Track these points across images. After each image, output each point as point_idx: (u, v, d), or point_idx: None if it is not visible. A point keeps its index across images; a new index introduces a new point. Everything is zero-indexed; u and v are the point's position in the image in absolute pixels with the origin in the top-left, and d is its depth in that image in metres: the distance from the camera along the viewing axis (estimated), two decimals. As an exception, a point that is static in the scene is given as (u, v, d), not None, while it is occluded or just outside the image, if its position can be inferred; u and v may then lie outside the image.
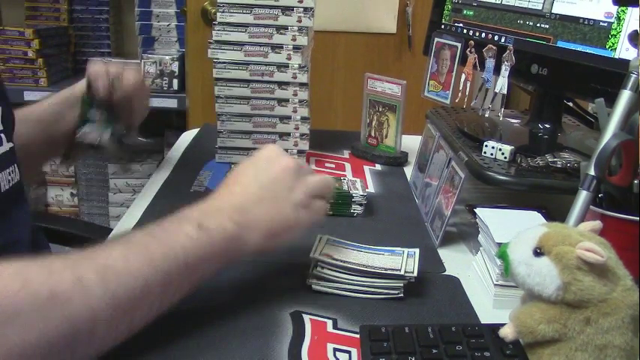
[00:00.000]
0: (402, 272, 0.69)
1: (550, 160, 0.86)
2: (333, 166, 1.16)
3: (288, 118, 1.12)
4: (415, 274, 0.69)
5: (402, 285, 0.69)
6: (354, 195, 0.93)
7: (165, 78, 2.22)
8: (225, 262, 0.63)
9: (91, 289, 0.51)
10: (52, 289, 0.50)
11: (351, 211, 0.93)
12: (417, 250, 0.73)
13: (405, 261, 0.71)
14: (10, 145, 0.79)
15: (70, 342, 0.50)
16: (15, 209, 0.78)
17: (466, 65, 1.02)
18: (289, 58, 1.09)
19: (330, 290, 0.70)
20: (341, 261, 0.70)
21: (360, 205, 0.93)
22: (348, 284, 0.69)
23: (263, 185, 0.68)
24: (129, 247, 0.57)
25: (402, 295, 0.69)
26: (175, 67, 2.21)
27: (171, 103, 2.21)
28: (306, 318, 0.65)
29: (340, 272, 0.70)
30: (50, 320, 0.49)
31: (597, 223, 0.57)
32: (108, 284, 0.53)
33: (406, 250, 0.74)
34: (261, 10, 1.07)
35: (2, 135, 0.77)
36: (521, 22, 0.97)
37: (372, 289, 0.69)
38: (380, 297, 0.69)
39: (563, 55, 0.90)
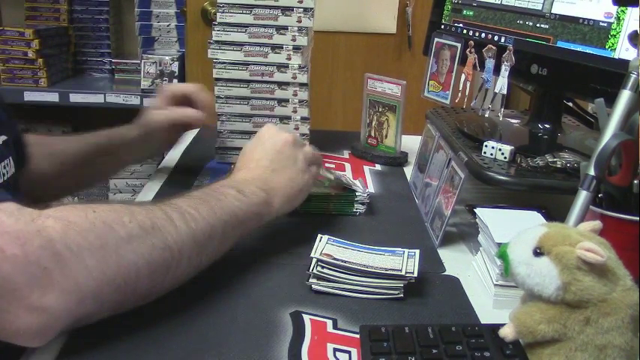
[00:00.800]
0: (402, 272, 0.69)
1: (550, 160, 0.86)
2: (333, 166, 1.16)
3: (288, 118, 1.12)
4: (415, 274, 0.69)
5: (402, 285, 0.69)
6: (357, 194, 0.93)
7: (165, 78, 2.22)
8: (259, 222, 0.76)
9: (179, 227, 0.63)
10: (153, 222, 0.61)
11: (354, 210, 0.93)
12: (418, 251, 0.73)
13: (405, 261, 0.71)
14: (3, 138, 0.77)
15: (166, 265, 0.61)
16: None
17: (466, 65, 1.02)
18: (289, 59, 1.09)
19: (330, 290, 0.70)
20: (341, 261, 0.70)
21: (363, 204, 0.93)
22: (348, 284, 0.69)
23: (272, 159, 0.81)
24: (195, 200, 0.68)
25: (402, 295, 0.69)
26: (175, 67, 2.21)
27: (171, 103, 2.21)
28: (306, 318, 0.65)
29: (340, 272, 0.70)
30: (154, 245, 0.60)
31: (597, 223, 0.57)
32: (189, 224, 0.64)
33: (406, 250, 0.74)
34: (261, 10, 1.07)
35: None
36: (521, 22, 0.97)
37: (372, 290, 0.69)
38: (380, 297, 0.69)
39: (563, 55, 0.90)
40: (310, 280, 0.70)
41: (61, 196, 1.05)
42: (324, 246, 0.74)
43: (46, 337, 0.54)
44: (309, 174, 0.83)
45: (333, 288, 0.70)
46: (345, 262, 0.70)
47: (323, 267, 0.70)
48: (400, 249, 0.74)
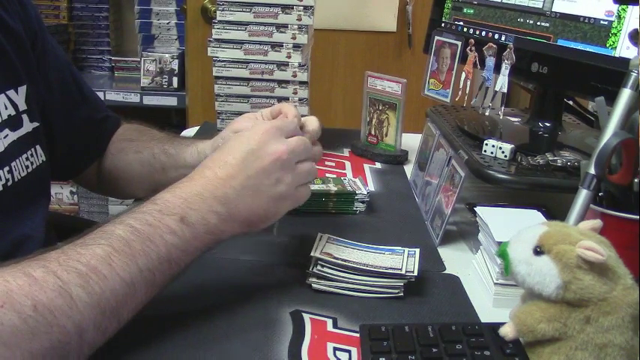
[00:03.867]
0: (402, 271, 0.69)
1: (550, 158, 0.86)
2: (333, 164, 1.15)
3: (288, 116, 1.11)
4: (416, 273, 0.69)
5: (402, 284, 0.69)
6: (357, 193, 0.93)
7: (164, 76, 2.22)
8: (203, 251, 0.63)
9: (75, 297, 0.50)
10: (35, 300, 0.47)
11: (354, 208, 0.93)
12: (418, 250, 0.73)
13: (405, 260, 0.71)
14: (35, 125, 0.77)
15: (60, 352, 0.49)
16: (31, 201, 0.76)
17: (466, 63, 1.02)
18: (289, 57, 1.09)
19: (330, 289, 0.70)
20: (341, 260, 0.70)
21: (363, 202, 0.93)
22: (349, 283, 0.69)
23: (249, 175, 0.64)
24: (112, 245, 0.55)
25: (402, 294, 0.69)
26: (175, 65, 2.21)
27: (171, 101, 2.21)
28: (306, 317, 0.65)
29: (340, 271, 0.69)
30: (37, 334, 0.47)
31: (597, 222, 0.57)
32: (93, 288, 0.51)
33: (406, 249, 0.74)
34: (261, 8, 1.07)
35: (25, 115, 0.75)
36: (522, 20, 0.97)
37: (372, 289, 0.69)
38: (380, 296, 0.69)
39: (563, 54, 0.90)
40: (310, 279, 0.70)
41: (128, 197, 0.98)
42: (324, 245, 0.73)
43: None
44: (287, 201, 0.67)
45: (333, 287, 0.70)
46: (345, 261, 0.70)
47: (323, 266, 0.70)
48: (400, 248, 0.74)
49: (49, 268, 0.51)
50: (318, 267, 0.70)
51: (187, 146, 0.89)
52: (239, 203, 0.63)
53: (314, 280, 0.70)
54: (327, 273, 0.70)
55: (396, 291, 0.69)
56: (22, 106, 0.76)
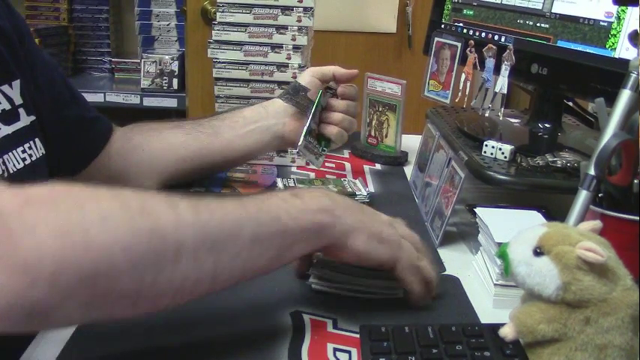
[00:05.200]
0: None
1: (550, 159, 0.86)
2: (333, 165, 1.16)
3: (288, 117, 1.11)
4: None
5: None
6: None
7: (165, 77, 2.22)
8: (318, 239, 0.59)
9: (181, 213, 0.51)
10: (143, 204, 0.50)
11: None
12: None
13: None
14: (32, 118, 0.78)
15: (154, 260, 0.49)
16: None
17: (466, 65, 1.02)
18: (289, 58, 1.09)
19: (330, 290, 0.70)
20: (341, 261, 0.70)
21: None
22: (349, 284, 0.69)
23: (358, 208, 0.64)
24: (220, 196, 0.57)
25: (401, 295, 0.69)
26: (175, 66, 2.21)
27: (171, 103, 2.21)
28: (306, 318, 0.65)
29: (340, 273, 0.69)
30: (138, 231, 0.48)
31: (597, 223, 0.57)
32: (199, 213, 0.52)
33: None
34: (261, 9, 1.07)
35: (21, 109, 0.76)
36: (521, 21, 0.97)
37: (373, 290, 0.69)
38: (381, 297, 0.69)
39: (563, 55, 0.90)
40: (310, 280, 0.70)
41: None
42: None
43: None
44: (388, 245, 0.63)
45: (333, 288, 0.70)
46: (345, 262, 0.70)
47: (323, 267, 0.70)
48: None
49: (159, 192, 0.53)
50: (319, 267, 0.70)
51: (222, 120, 0.95)
52: (343, 212, 0.61)
53: (314, 280, 0.70)
54: (328, 274, 0.70)
55: (397, 291, 0.69)
56: (18, 100, 0.76)
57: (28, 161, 0.75)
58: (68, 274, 0.45)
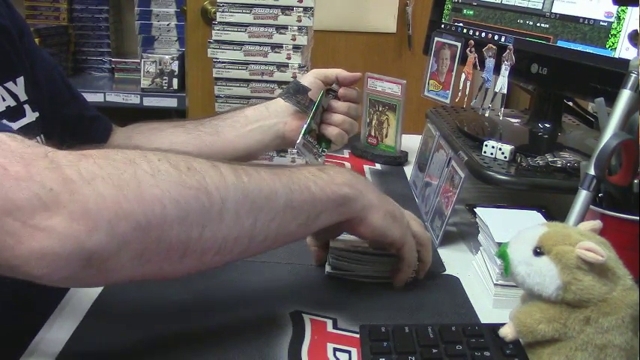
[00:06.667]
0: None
1: (550, 159, 0.86)
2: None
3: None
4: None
5: (415, 268, 0.71)
6: None
7: (165, 77, 2.22)
8: (341, 211, 0.62)
9: (224, 173, 0.54)
10: (190, 164, 0.52)
11: None
12: None
13: None
14: (36, 115, 0.78)
15: (202, 212, 0.51)
16: None
17: (466, 65, 1.02)
18: (289, 58, 1.09)
19: (344, 276, 0.72)
20: (353, 246, 0.72)
21: None
22: (361, 270, 0.72)
23: (378, 192, 0.67)
24: (254, 164, 0.59)
25: (411, 278, 0.71)
26: (175, 66, 2.21)
27: (171, 103, 2.21)
28: (306, 318, 0.65)
29: (354, 260, 0.72)
30: (186, 184, 0.51)
31: (597, 223, 0.57)
32: (240, 176, 0.55)
33: None
34: (261, 9, 1.07)
35: (26, 106, 0.77)
36: (521, 21, 0.97)
37: (383, 275, 0.71)
38: (390, 281, 0.71)
39: (563, 55, 0.90)
40: (327, 266, 0.73)
41: None
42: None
43: (54, 264, 0.46)
44: (399, 224, 0.67)
45: (347, 274, 0.72)
46: (358, 247, 0.72)
47: (338, 255, 0.72)
48: None
49: (200, 156, 0.55)
50: (334, 255, 0.72)
51: (224, 119, 0.95)
52: (364, 188, 0.64)
53: (330, 268, 0.72)
54: (342, 261, 0.72)
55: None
56: (23, 97, 0.77)
57: None
58: (124, 223, 0.48)
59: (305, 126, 0.92)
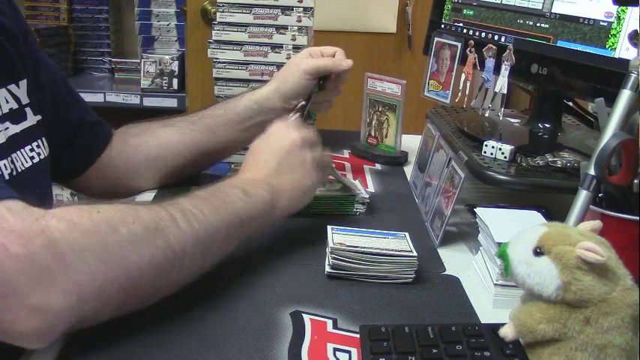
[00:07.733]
0: (413, 253, 0.72)
1: (550, 159, 0.86)
2: (333, 165, 1.15)
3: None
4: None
5: (415, 267, 0.71)
6: (356, 194, 0.93)
7: (164, 77, 2.22)
8: (263, 223, 0.75)
9: (182, 227, 0.63)
10: (157, 222, 0.61)
11: (354, 210, 0.93)
12: (407, 234, 0.78)
13: (410, 243, 0.75)
14: (38, 118, 0.79)
15: (169, 266, 0.61)
16: (36, 192, 0.76)
17: (466, 65, 1.02)
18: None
19: (344, 276, 0.72)
20: (353, 246, 0.72)
21: (363, 204, 0.93)
22: (361, 270, 0.72)
23: (280, 160, 0.79)
24: (198, 200, 0.68)
25: (410, 280, 0.72)
26: (175, 66, 2.21)
27: (171, 103, 2.21)
28: (306, 318, 0.65)
29: (353, 260, 0.72)
30: (157, 246, 0.60)
31: (597, 223, 0.57)
32: (192, 224, 0.64)
33: (406, 233, 0.78)
34: (261, 9, 1.07)
35: (28, 109, 0.77)
36: (521, 21, 0.97)
37: (383, 274, 0.72)
38: (390, 281, 0.71)
39: (563, 55, 0.90)
40: (326, 267, 0.73)
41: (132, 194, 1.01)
42: (332, 236, 0.75)
43: (48, 338, 0.54)
44: (316, 176, 0.81)
45: (347, 274, 0.72)
46: (358, 247, 0.72)
47: (337, 255, 0.72)
48: (401, 232, 0.78)
49: (159, 205, 0.64)
50: (334, 256, 0.72)
51: (216, 118, 1.00)
52: (280, 182, 0.77)
53: (329, 268, 0.72)
54: (342, 261, 0.72)
55: (409, 274, 0.72)
56: (25, 100, 0.77)
57: (36, 159, 0.76)
58: (109, 286, 0.56)
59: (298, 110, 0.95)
